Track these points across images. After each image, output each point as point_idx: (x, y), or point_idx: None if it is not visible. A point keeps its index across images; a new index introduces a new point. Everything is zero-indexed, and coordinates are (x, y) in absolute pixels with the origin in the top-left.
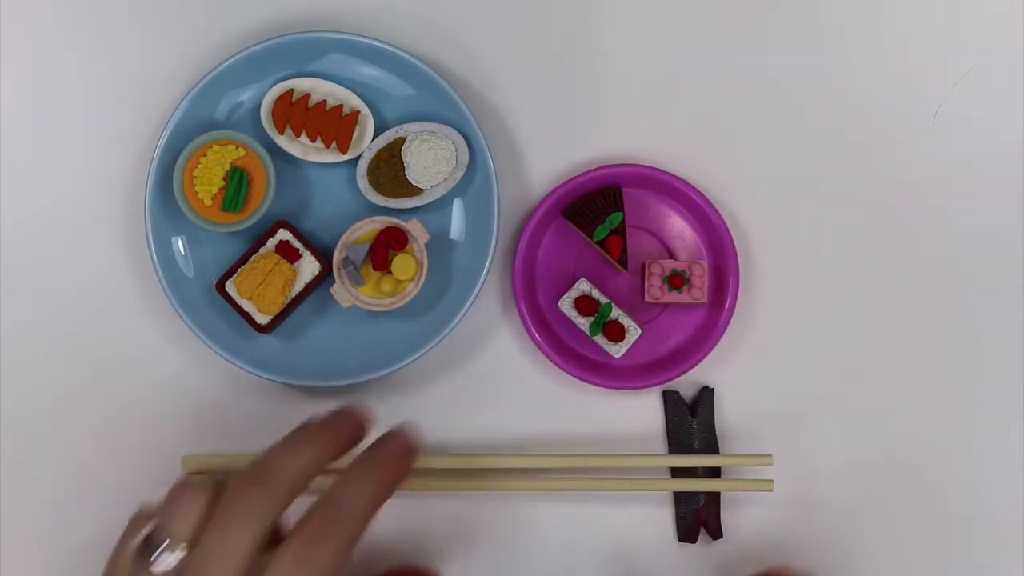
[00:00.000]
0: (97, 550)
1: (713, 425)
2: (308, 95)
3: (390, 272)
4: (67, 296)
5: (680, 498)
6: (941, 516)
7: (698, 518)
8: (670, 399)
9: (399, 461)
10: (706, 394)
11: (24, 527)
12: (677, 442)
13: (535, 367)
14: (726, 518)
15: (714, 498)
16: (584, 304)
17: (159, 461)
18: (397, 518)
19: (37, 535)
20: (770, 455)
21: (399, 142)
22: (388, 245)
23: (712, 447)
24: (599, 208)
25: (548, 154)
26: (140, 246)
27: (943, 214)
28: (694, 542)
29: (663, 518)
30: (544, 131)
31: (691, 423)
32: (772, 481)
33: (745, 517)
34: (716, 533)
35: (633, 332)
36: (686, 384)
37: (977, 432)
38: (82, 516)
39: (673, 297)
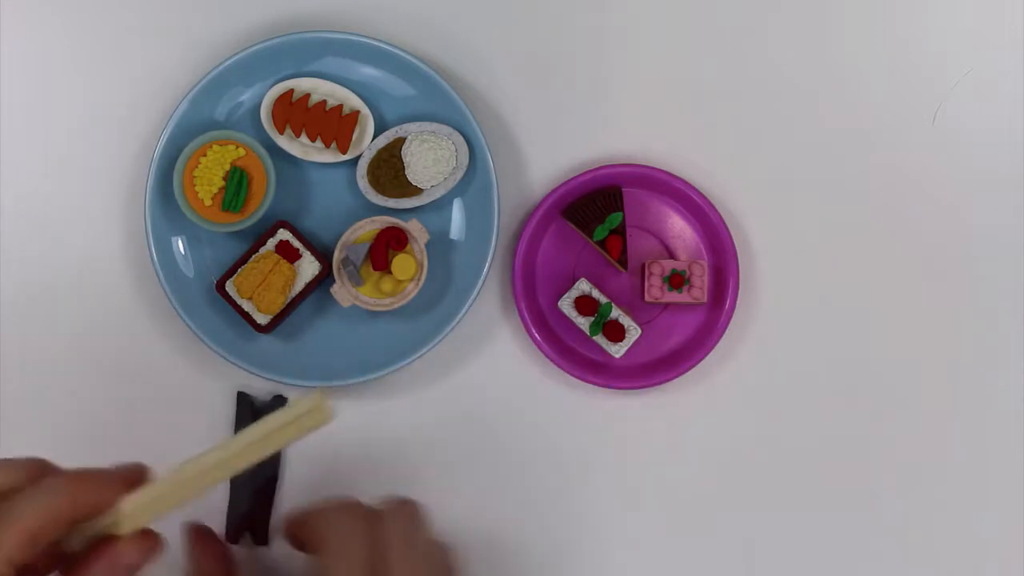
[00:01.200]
0: None
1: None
2: (308, 95)
3: (390, 272)
4: (67, 296)
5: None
6: (944, 512)
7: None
8: (243, 401)
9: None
10: (279, 403)
11: None
12: None
13: (535, 367)
14: None
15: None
16: (584, 304)
17: (159, 461)
18: None
19: None
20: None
21: (399, 142)
22: (388, 245)
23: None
24: (599, 208)
25: (548, 154)
26: (140, 246)
27: (943, 214)
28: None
29: None
30: (544, 131)
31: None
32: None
33: None
34: (263, 539)
35: (633, 332)
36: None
37: (980, 431)
38: None
39: (673, 297)
